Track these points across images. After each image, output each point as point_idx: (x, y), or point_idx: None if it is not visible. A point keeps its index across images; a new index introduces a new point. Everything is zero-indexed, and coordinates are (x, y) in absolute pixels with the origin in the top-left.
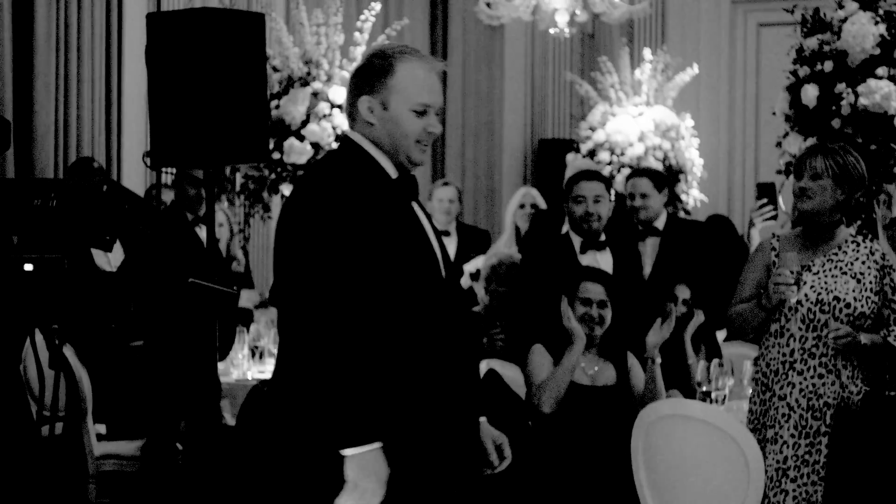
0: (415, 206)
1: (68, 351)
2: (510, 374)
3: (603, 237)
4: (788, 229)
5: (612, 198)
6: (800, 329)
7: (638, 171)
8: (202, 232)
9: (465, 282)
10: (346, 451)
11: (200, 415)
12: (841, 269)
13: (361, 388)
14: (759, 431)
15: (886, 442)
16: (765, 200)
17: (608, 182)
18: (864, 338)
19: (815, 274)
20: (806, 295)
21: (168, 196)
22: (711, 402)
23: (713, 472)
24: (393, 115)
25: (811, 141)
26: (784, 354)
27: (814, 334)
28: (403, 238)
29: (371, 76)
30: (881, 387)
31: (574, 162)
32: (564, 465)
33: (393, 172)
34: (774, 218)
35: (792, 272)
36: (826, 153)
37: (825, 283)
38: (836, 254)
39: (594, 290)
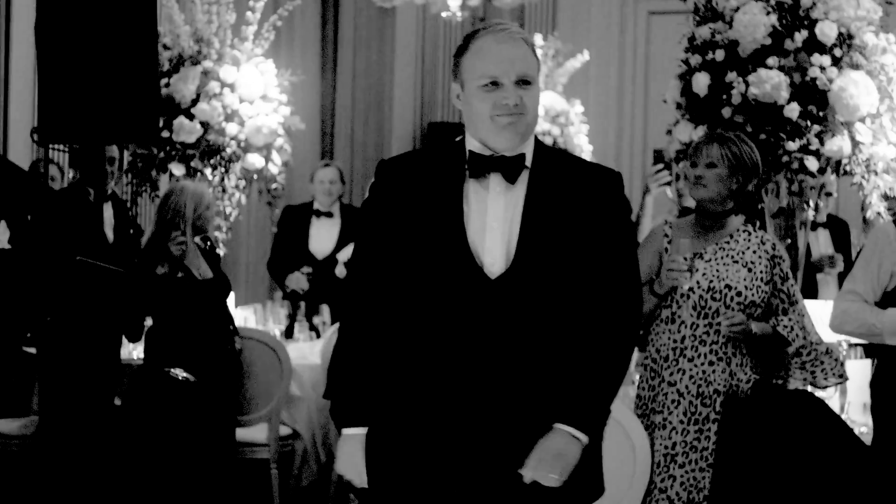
0: (480, 186)
1: None
2: None
3: None
4: (675, 216)
5: None
6: (691, 316)
7: None
8: (108, 209)
9: (339, 271)
10: (343, 431)
11: (94, 396)
12: (732, 257)
13: (356, 369)
14: (647, 417)
15: (774, 429)
16: (661, 166)
17: None
18: (754, 326)
19: (706, 262)
20: (698, 282)
21: (53, 172)
22: None
23: None
24: (467, 96)
25: (702, 129)
26: (675, 341)
27: (705, 321)
28: (426, 219)
29: (455, 60)
30: (769, 375)
31: None
32: None
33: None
34: (669, 184)
35: (686, 258)
36: (722, 142)
37: (717, 270)
38: (727, 242)
39: None
